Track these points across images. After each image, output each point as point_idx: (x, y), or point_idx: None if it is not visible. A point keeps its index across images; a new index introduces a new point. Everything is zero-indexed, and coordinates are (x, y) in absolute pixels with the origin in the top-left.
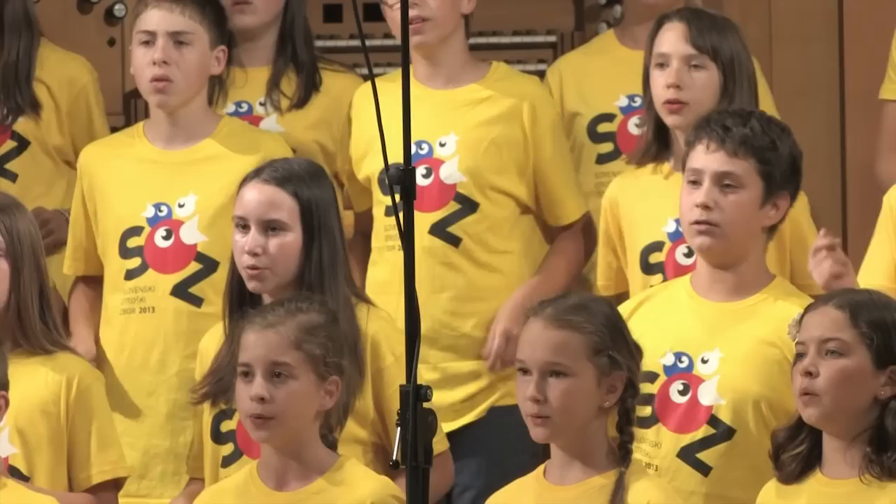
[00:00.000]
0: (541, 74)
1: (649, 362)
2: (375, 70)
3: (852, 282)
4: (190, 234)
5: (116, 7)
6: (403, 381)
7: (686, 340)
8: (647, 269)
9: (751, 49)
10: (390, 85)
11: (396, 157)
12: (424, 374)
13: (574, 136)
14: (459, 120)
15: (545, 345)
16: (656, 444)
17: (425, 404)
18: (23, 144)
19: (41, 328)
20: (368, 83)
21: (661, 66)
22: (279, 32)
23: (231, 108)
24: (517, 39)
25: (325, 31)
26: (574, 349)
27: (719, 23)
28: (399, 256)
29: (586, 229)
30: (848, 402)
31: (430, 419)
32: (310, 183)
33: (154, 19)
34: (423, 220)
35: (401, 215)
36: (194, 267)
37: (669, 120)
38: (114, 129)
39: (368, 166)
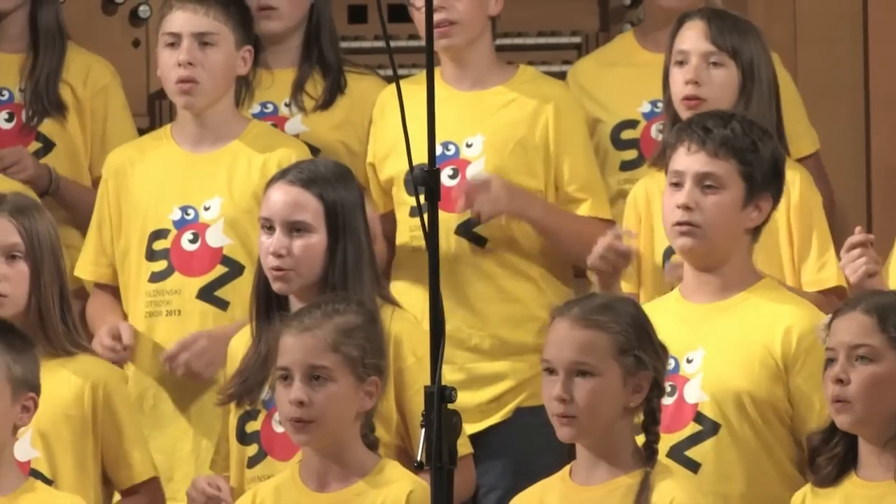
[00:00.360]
0: (565, 75)
1: None
2: (400, 71)
3: (882, 282)
4: (216, 238)
5: (141, 8)
6: (425, 382)
7: (671, 343)
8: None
9: (776, 50)
10: (416, 87)
11: (421, 158)
12: (450, 375)
13: (598, 143)
14: (486, 121)
15: (571, 344)
16: None
17: (449, 405)
18: (48, 146)
19: (62, 329)
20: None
21: (681, 63)
22: (305, 35)
23: (257, 108)
24: (542, 41)
25: (350, 32)
26: (600, 349)
27: (740, 24)
28: (424, 257)
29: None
30: (880, 406)
31: (454, 420)
32: (335, 184)
33: (179, 21)
34: (450, 221)
35: (425, 216)
36: (220, 270)
37: (687, 116)
38: (139, 131)
39: (392, 167)
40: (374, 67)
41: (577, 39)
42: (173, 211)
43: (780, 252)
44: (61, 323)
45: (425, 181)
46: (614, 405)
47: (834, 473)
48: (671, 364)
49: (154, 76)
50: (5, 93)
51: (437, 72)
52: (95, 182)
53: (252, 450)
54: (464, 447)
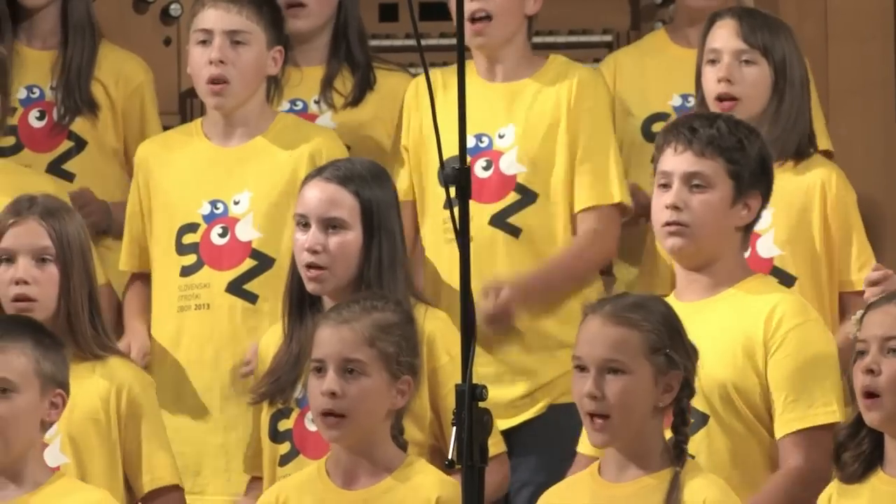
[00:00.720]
0: None
1: None
2: (431, 70)
3: None
4: (245, 231)
5: (172, 7)
6: (458, 381)
7: None
8: None
9: (807, 48)
10: (450, 78)
11: (452, 151)
12: (484, 368)
13: (629, 135)
14: (517, 111)
15: (604, 342)
16: None
17: (481, 404)
18: (80, 145)
19: (91, 333)
20: (423, 76)
21: (713, 62)
22: (333, 33)
23: (286, 105)
24: (573, 38)
25: (381, 30)
26: (632, 347)
27: (772, 22)
28: (456, 250)
29: (606, 225)
30: None
31: (485, 418)
32: (371, 183)
33: (211, 18)
34: (483, 212)
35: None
36: (249, 264)
37: None
38: (168, 129)
39: (427, 155)
40: (405, 66)
41: (608, 38)
42: (203, 205)
43: (814, 249)
44: (90, 326)
45: (456, 179)
46: (645, 403)
47: (860, 470)
48: None
49: (185, 74)
50: (36, 90)
51: (469, 65)
52: None
53: (284, 448)
54: (496, 446)
